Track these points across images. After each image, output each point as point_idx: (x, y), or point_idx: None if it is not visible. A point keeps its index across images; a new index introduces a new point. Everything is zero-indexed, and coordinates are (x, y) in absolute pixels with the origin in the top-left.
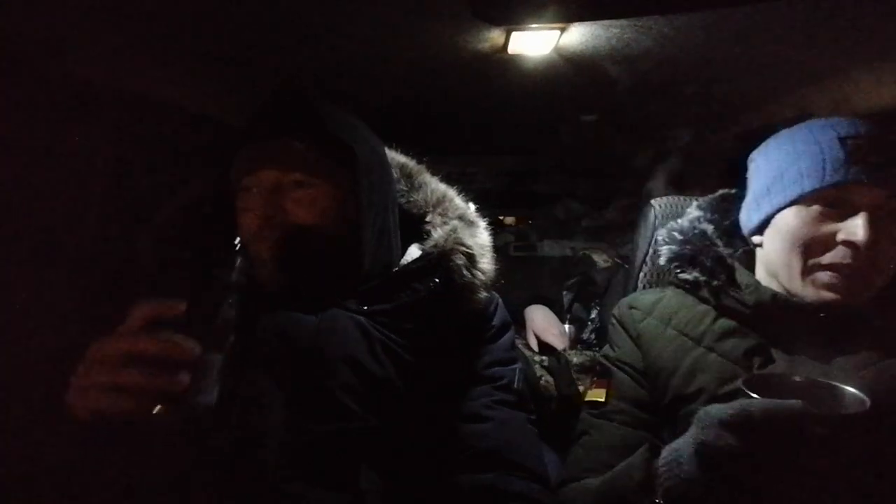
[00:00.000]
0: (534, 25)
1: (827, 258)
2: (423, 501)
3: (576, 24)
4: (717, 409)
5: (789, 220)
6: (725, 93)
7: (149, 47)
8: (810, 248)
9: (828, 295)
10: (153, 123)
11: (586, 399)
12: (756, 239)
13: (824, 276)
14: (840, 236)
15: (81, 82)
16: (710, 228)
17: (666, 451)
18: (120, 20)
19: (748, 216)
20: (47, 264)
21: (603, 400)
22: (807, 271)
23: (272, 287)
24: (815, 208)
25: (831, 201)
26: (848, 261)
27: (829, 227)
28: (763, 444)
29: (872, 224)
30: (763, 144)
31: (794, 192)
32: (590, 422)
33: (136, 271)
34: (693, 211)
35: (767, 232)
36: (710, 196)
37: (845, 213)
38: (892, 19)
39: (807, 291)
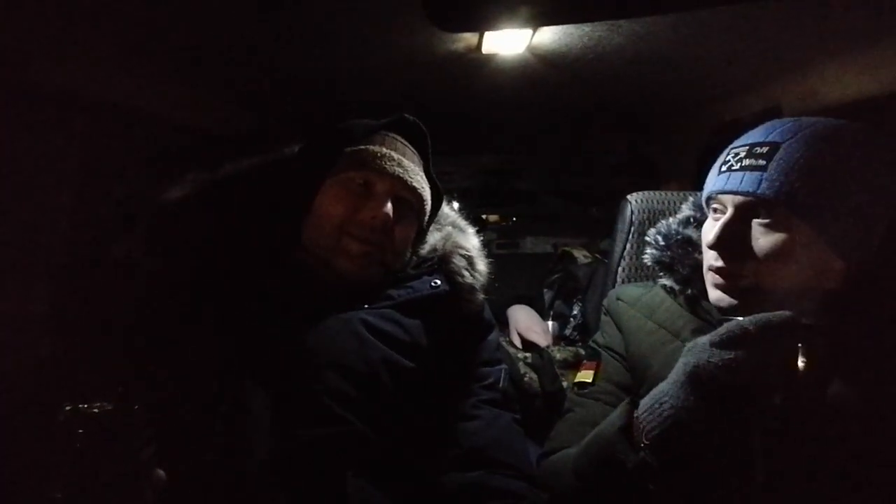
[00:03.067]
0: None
1: (707, 259)
2: (411, 500)
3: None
4: (704, 337)
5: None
6: (697, 87)
7: (120, 55)
8: (706, 255)
9: (714, 294)
10: (127, 132)
11: (575, 380)
12: None
13: (708, 276)
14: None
15: (50, 91)
16: (695, 235)
17: (646, 399)
18: (90, 28)
19: None
20: (21, 273)
21: (591, 381)
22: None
23: (338, 277)
24: (709, 214)
25: (713, 209)
26: (716, 263)
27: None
28: (757, 353)
29: (726, 226)
30: None
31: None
32: (576, 400)
33: (122, 277)
34: (685, 209)
35: None
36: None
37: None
38: (857, 12)
39: (710, 296)
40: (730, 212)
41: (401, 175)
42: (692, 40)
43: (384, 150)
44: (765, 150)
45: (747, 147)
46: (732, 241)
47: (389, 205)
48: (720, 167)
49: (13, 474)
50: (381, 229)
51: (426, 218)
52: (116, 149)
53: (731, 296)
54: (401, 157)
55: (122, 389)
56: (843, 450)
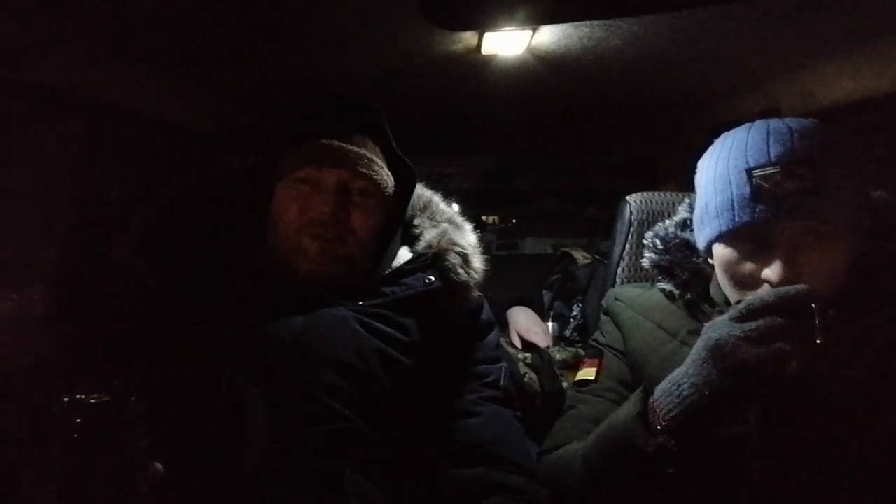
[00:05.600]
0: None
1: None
2: (410, 497)
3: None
4: (723, 315)
5: (719, 255)
6: (696, 88)
7: (117, 56)
8: (740, 284)
9: None
10: (122, 132)
11: (577, 378)
12: (710, 260)
13: None
14: (762, 275)
15: (48, 91)
16: (693, 237)
17: (663, 384)
18: (88, 29)
19: (697, 238)
20: (18, 272)
21: (593, 378)
22: None
23: (303, 280)
24: (735, 245)
25: (747, 239)
26: None
27: (750, 265)
28: (778, 323)
29: (791, 259)
30: (703, 157)
31: (714, 231)
32: (578, 397)
33: (118, 276)
34: (681, 212)
35: (713, 258)
36: None
37: (763, 250)
38: (855, 13)
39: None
40: (787, 243)
41: (347, 164)
42: (691, 41)
43: (325, 141)
44: (802, 170)
45: (779, 168)
46: (798, 270)
47: (338, 198)
48: (753, 195)
49: (9, 466)
50: (334, 224)
51: (389, 199)
52: (113, 149)
53: None
54: (344, 145)
55: (119, 382)
56: (858, 423)
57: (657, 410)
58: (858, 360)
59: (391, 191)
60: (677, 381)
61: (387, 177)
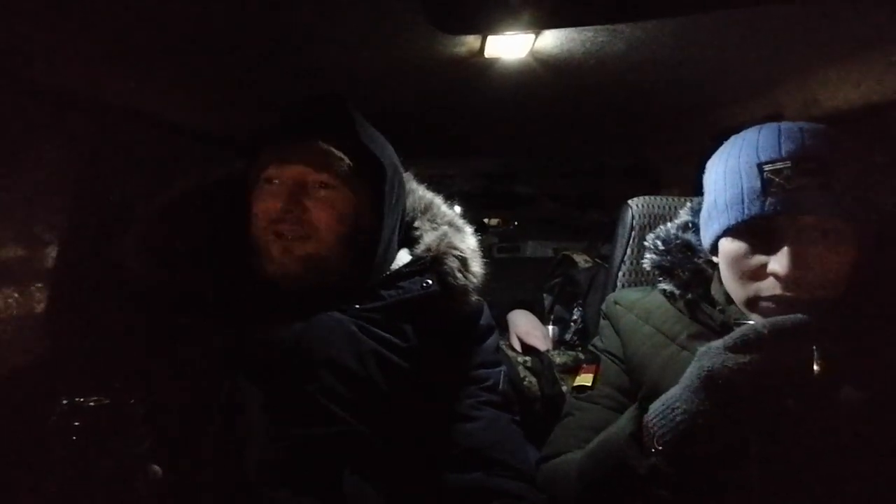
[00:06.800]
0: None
1: (763, 289)
2: (410, 500)
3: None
4: (718, 342)
5: (725, 249)
6: (699, 93)
7: (122, 57)
8: (746, 279)
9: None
10: (123, 132)
11: (574, 384)
12: (714, 259)
13: (766, 305)
14: (768, 269)
15: (52, 92)
16: (694, 239)
17: (656, 404)
18: (92, 29)
19: (703, 235)
20: (20, 274)
21: (590, 385)
22: (750, 300)
23: (276, 280)
24: (743, 239)
25: (755, 232)
26: (780, 292)
27: (758, 259)
28: (773, 357)
29: (798, 252)
30: (712, 157)
31: (722, 224)
32: (575, 404)
33: (120, 277)
34: (683, 214)
35: (718, 254)
36: (700, 199)
37: (771, 244)
38: (859, 19)
39: (755, 318)
40: (795, 237)
41: (302, 159)
42: (694, 47)
43: (286, 139)
44: (813, 165)
45: (790, 164)
46: (804, 265)
47: (291, 193)
48: (763, 188)
49: (9, 467)
50: (290, 220)
51: (356, 193)
52: (114, 149)
53: None
54: (303, 142)
55: (119, 385)
56: (856, 453)
57: (651, 431)
58: (857, 374)
59: (354, 182)
60: (671, 404)
61: (347, 168)
